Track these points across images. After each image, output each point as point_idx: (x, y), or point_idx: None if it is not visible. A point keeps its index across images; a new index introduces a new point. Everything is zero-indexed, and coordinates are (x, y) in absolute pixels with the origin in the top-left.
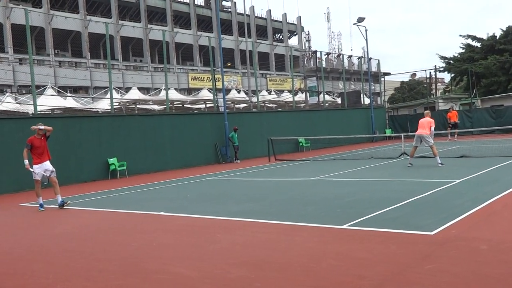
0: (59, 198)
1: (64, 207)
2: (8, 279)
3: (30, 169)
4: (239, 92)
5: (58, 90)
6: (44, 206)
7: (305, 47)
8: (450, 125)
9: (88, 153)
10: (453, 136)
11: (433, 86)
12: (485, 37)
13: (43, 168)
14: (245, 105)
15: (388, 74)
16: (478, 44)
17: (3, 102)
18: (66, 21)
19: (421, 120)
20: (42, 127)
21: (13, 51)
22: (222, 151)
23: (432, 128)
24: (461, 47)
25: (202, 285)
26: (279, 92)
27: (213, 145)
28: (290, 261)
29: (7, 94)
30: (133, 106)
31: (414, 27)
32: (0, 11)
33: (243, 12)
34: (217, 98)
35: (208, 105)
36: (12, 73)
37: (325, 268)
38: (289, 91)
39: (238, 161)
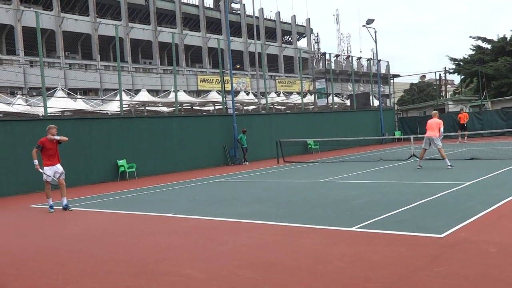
0: (65, 201)
1: (67, 210)
2: (17, 280)
3: (40, 169)
4: (248, 94)
5: (68, 92)
6: (54, 207)
7: (314, 49)
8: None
9: (97, 155)
10: (463, 138)
11: (443, 88)
12: (495, 39)
13: (53, 170)
14: (254, 107)
15: (397, 76)
16: (488, 46)
17: (14, 104)
18: (76, 23)
19: (430, 121)
20: (58, 137)
21: (24, 53)
22: (231, 153)
23: (442, 130)
24: (471, 49)
25: (209, 287)
26: (288, 94)
27: (222, 147)
28: (297, 263)
29: (18, 96)
30: (143, 108)
31: (423, 28)
32: (11, 14)
33: (252, 14)
34: (226, 100)
35: (217, 107)
36: (23, 75)
37: (332, 271)
38: (298, 93)
39: (247, 163)
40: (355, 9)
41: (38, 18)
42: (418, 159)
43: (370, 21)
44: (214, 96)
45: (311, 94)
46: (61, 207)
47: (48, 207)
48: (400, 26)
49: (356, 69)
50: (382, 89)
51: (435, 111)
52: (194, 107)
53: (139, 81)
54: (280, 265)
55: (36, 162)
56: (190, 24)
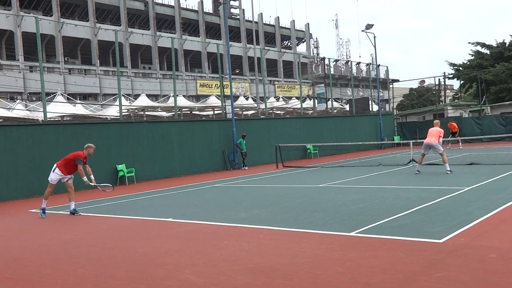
0: (72, 205)
1: (76, 215)
2: (17, 285)
3: (91, 183)
4: (247, 98)
5: (67, 97)
6: (46, 212)
7: (313, 54)
8: (451, 134)
9: (96, 160)
10: (449, 143)
11: (442, 93)
12: (494, 44)
13: (61, 177)
14: (253, 111)
15: (397, 80)
16: (487, 51)
17: (13, 109)
18: (76, 28)
19: (431, 129)
20: (93, 182)
21: (23, 58)
22: (230, 158)
23: (441, 139)
24: (470, 54)
25: None
26: (287, 98)
27: (221, 152)
28: (297, 268)
29: (18, 101)
30: (142, 113)
31: (422, 33)
32: (11, 19)
33: (251, 19)
34: (225, 105)
35: (216, 112)
36: (23, 81)
37: (332, 276)
38: (297, 98)
39: (246, 168)
40: (354, 14)
41: (38, 24)
42: (417, 164)
43: (369, 26)
44: (213, 101)
45: (310, 99)
46: (68, 211)
47: (40, 211)
48: (399, 31)
49: (355, 74)
50: (381, 94)
51: (436, 121)
52: (193, 112)
53: (138, 86)
54: (279, 270)
55: (85, 178)
56: (190, 29)
